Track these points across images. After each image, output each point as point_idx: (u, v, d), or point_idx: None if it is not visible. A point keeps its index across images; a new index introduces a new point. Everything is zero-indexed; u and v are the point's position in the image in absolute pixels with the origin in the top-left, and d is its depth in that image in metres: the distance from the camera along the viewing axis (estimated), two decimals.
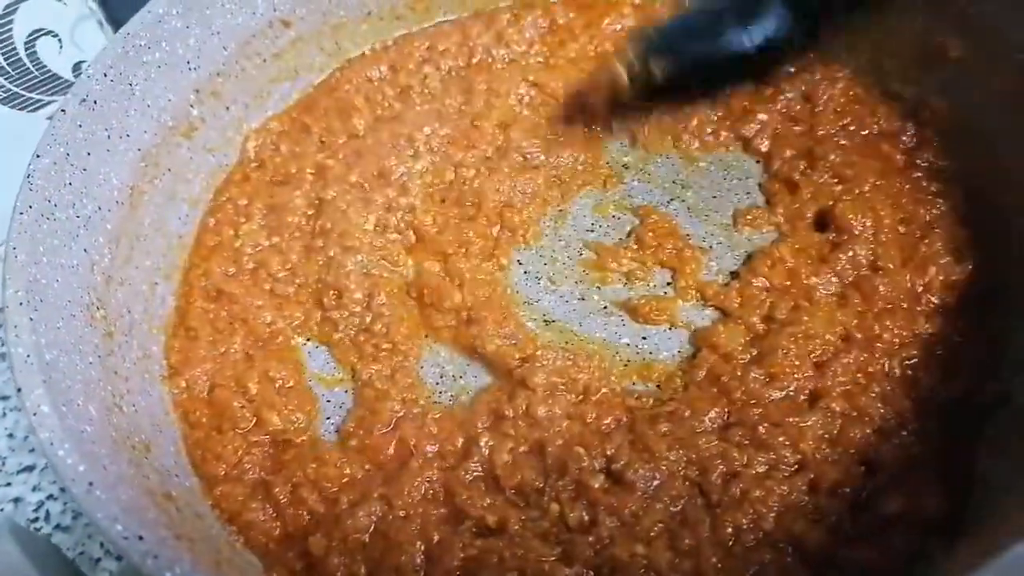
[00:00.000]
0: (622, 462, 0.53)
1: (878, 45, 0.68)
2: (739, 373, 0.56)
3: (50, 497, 0.68)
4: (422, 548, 0.51)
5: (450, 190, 0.68)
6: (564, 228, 0.67)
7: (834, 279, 0.59)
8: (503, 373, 0.58)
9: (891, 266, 0.59)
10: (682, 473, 0.52)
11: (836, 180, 0.65)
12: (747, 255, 0.63)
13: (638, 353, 0.60)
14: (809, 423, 0.53)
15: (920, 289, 0.58)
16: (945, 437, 0.52)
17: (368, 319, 0.62)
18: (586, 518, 0.51)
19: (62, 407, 0.45)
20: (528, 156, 0.69)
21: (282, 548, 0.52)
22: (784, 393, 0.55)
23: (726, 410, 0.55)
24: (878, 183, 0.63)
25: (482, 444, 0.55)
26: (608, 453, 0.53)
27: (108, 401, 0.51)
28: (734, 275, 0.62)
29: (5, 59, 0.69)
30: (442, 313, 0.62)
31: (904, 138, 0.66)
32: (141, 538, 0.40)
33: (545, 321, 0.62)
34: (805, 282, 0.60)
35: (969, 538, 0.46)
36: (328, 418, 0.59)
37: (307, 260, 0.65)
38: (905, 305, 0.57)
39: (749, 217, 0.65)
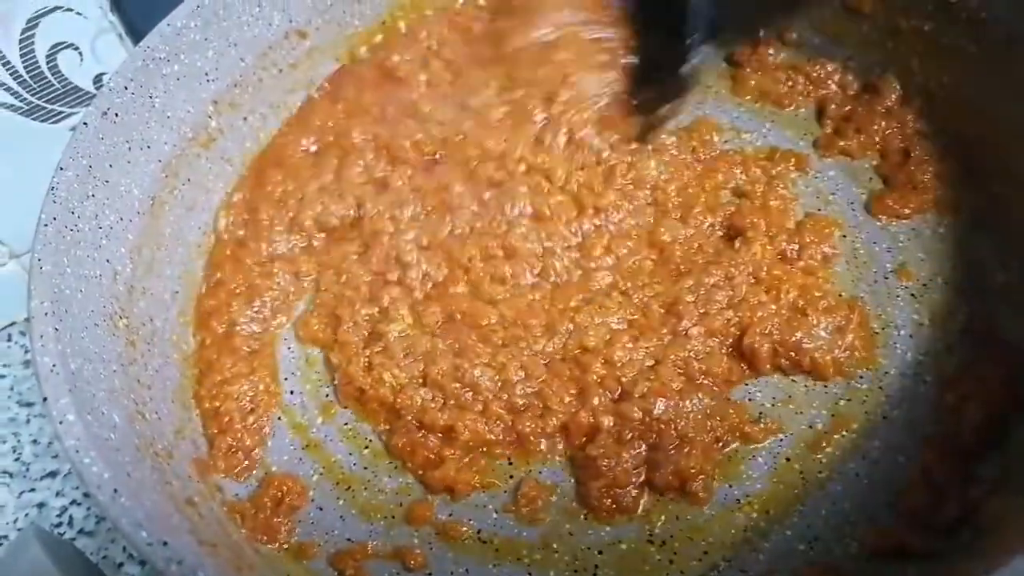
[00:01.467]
0: None
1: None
2: None
3: (73, 502, 0.70)
4: None
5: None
6: None
7: None
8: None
9: None
10: None
11: None
12: None
13: None
14: None
15: None
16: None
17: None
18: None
19: (87, 415, 0.46)
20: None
21: None
22: None
23: None
24: None
25: None
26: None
27: (131, 409, 0.52)
28: None
29: (27, 72, 0.70)
30: (480, 330, 0.61)
31: None
32: (165, 544, 0.41)
33: None
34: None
35: (980, 542, 0.47)
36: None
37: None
38: None
39: None
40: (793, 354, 0.57)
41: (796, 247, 0.61)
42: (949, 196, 0.63)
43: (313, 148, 0.72)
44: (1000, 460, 0.51)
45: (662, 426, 0.54)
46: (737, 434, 0.55)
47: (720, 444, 0.55)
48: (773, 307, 0.58)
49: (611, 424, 0.55)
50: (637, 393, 0.56)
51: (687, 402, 0.55)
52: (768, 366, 0.57)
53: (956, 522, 0.49)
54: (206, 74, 0.65)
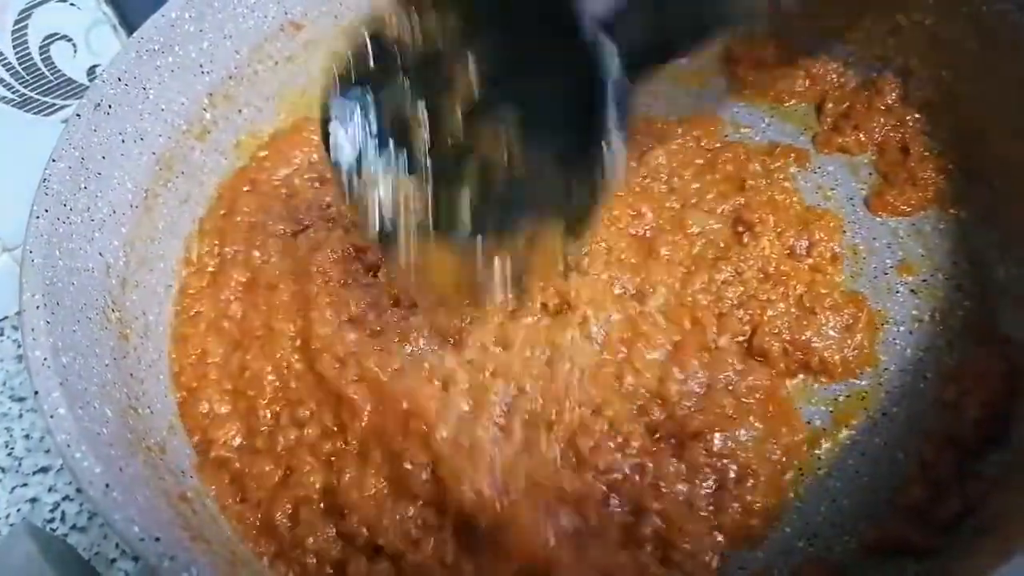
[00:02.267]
0: None
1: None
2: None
3: (66, 498, 0.69)
4: None
5: None
6: None
7: None
8: None
9: None
10: None
11: None
12: None
13: None
14: None
15: None
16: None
17: None
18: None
19: (79, 409, 0.45)
20: None
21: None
22: None
23: None
24: None
25: None
26: None
27: (124, 403, 0.51)
28: None
29: (20, 64, 0.69)
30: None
31: None
32: (158, 540, 0.40)
33: None
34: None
35: (981, 539, 0.46)
36: None
37: None
38: None
39: None
40: (801, 354, 0.56)
41: (805, 243, 0.61)
42: (949, 192, 0.62)
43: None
44: (1001, 457, 0.51)
45: (724, 461, 0.52)
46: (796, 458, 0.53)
47: (783, 472, 0.53)
48: (782, 305, 0.58)
49: (685, 491, 0.51)
50: (692, 428, 0.53)
51: (742, 430, 0.54)
52: (781, 365, 0.56)
53: (956, 518, 0.48)
54: (200, 66, 0.65)
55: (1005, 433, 0.51)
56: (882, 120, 0.66)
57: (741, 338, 0.57)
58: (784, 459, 0.53)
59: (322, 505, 0.52)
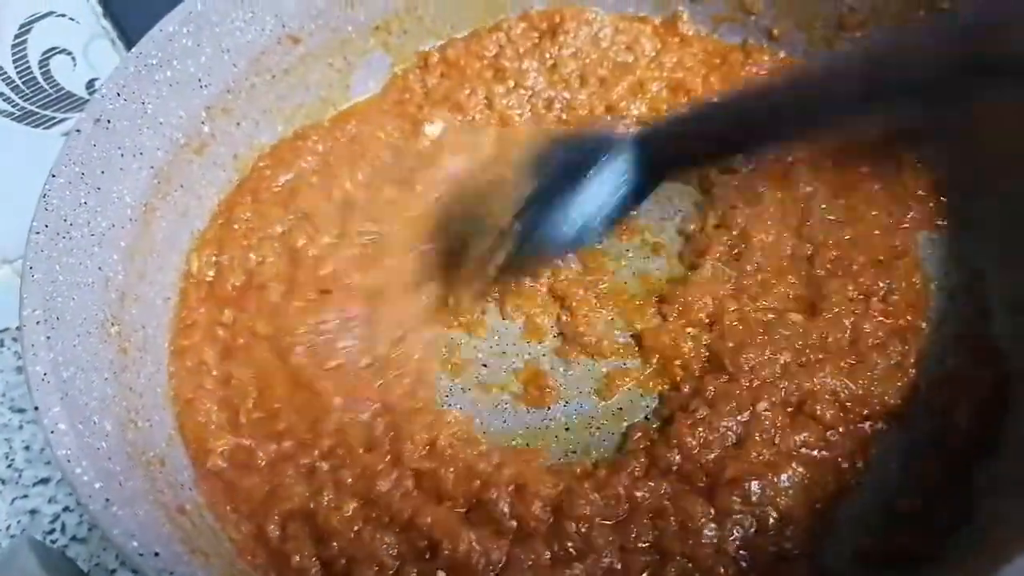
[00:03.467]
0: None
1: None
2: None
3: (66, 509, 0.69)
4: None
5: None
6: None
7: None
8: None
9: None
10: None
11: None
12: None
13: None
14: None
15: None
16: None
17: None
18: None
19: (79, 424, 0.46)
20: None
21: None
22: None
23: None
24: None
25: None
26: None
27: (123, 417, 0.52)
28: None
29: (20, 77, 0.70)
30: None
31: None
32: (157, 554, 0.41)
33: None
34: None
35: (977, 544, 0.47)
36: None
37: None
38: None
39: None
40: (860, 409, 0.54)
41: (883, 287, 0.58)
42: (944, 204, 0.63)
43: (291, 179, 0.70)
44: (993, 464, 0.51)
45: (763, 509, 0.50)
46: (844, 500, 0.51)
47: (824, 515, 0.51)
48: (829, 367, 0.55)
49: (713, 535, 0.50)
50: (727, 476, 0.51)
51: (783, 476, 0.51)
52: (839, 429, 0.54)
53: (949, 526, 0.49)
54: (199, 80, 0.65)
55: (996, 441, 0.52)
56: (873, 132, 0.66)
57: (789, 408, 0.54)
58: (830, 505, 0.51)
59: (306, 526, 0.53)
